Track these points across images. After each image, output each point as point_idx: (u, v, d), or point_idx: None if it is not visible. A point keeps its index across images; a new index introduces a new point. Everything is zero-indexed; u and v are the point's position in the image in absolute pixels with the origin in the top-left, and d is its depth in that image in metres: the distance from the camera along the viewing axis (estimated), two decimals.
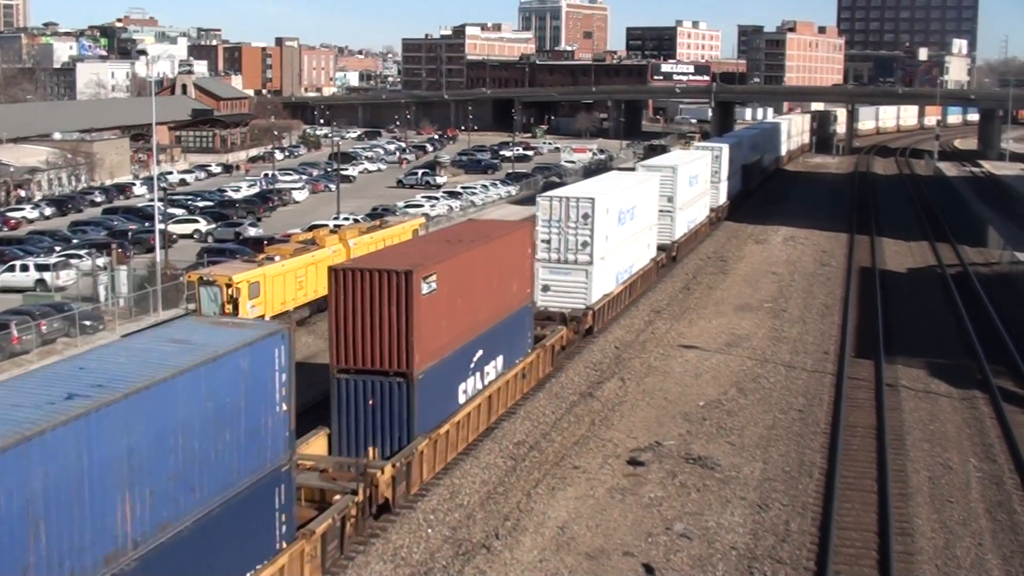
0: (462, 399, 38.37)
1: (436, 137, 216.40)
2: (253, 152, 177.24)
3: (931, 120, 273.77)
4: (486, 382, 40.66)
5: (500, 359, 42.16)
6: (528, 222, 51.80)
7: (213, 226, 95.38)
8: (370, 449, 34.09)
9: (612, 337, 56.07)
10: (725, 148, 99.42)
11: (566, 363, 50.56)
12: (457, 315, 37.24)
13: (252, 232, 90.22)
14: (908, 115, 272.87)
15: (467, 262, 38.47)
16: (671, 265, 75.67)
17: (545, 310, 52.86)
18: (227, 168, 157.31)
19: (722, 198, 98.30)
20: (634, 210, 61.78)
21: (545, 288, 53.73)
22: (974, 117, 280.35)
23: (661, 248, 72.13)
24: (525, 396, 45.33)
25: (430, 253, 37.33)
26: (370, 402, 34.35)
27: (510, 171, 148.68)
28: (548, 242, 53.94)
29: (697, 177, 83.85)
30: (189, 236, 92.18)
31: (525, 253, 45.65)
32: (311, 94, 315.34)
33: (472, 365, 39.12)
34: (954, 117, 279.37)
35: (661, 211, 71.70)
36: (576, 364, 50.73)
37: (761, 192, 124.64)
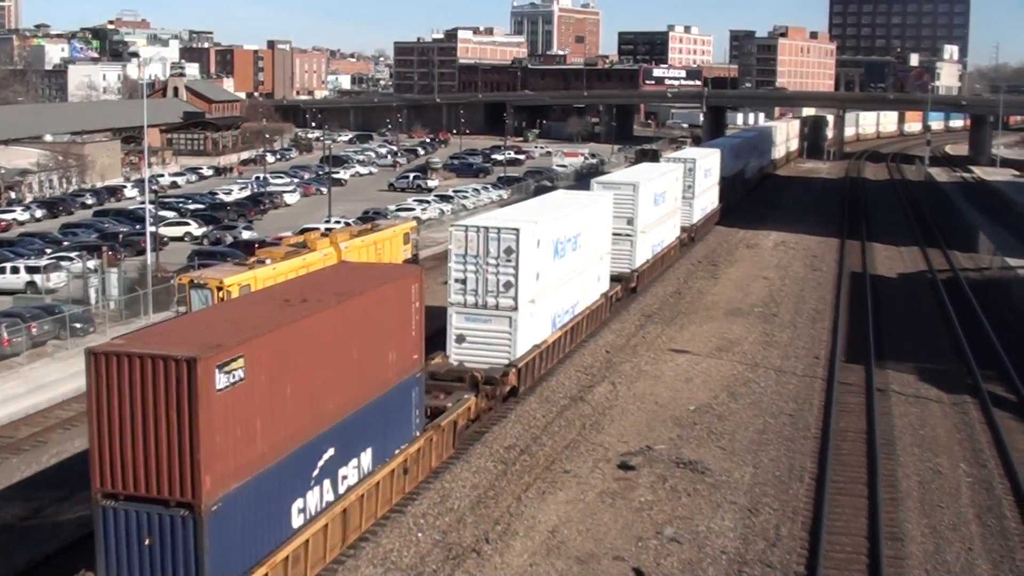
0: (298, 522, 28.21)
1: (428, 140, 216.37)
2: (244, 155, 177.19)
3: (912, 127, 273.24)
4: (341, 491, 30.28)
5: (368, 454, 31.90)
6: (416, 267, 40.20)
7: (207, 228, 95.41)
8: None
9: (603, 341, 56.04)
10: (700, 159, 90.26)
11: (558, 368, 50.46)
12: (286, 409, 27.19)
13: (246, 235, 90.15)
14: (888, 121, 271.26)
15: (304, 333, 28.09)
16: (630, 298, 65.99)
17: (460, 366, 43.71)
18: (218, 171, 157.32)
19: (696, 216, 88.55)
20: (578, 238, 52.20)
21: (460, 339, 44.52)
22: (956, 123, 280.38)
23: (617, 279, 62.42)
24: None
25: (243, 324, 26.97)
26: (146, 541, 24.76)
27: (501, 175, 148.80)
28: (463, 282, 44.25)
29: (665, 194, 73.42)
30: (180, 239, 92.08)
31: (410, 308, 34.56)
32: (303, 97, 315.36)
33: (316, 472, 28.90)
34: (936, 123, 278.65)
35: (618, 235, 62.51)
36: (567, 368, 50.68)
37: (747, 203, 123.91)
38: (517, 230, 43.79)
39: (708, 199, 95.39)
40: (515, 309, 44.11)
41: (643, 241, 67.15)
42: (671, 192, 76.30)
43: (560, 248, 49.30)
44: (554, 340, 49.43)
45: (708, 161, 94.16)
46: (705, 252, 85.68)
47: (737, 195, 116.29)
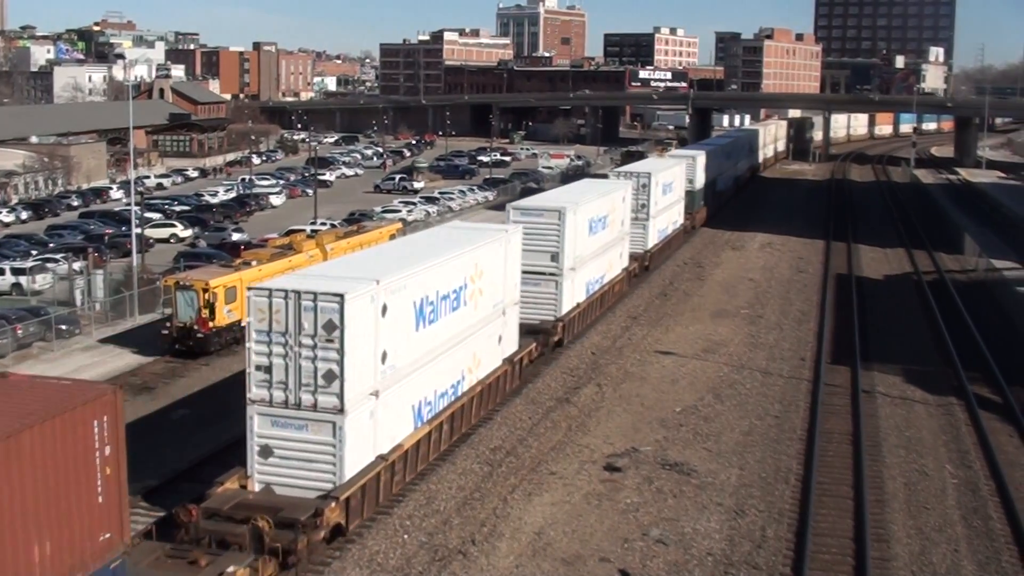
0: None
1: (414, 142, 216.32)
2: (230, 156, 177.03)
3: (883, 129, 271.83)
4: None
5: None
6: (106, 389, 23.42)
7: (197, 230, 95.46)
8: None
9: (589, 343, 56.00)
10: (657, 173, 77.14)
11: (542, 369, 50.37)
12: None
13: (236, 237, 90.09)
14: (859, 124, 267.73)
15: None
16: (553, 355, 52.57)
17: (265, 493, 31.06)
18: (204, 172, 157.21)
19: (653, 240, 76.65)
20: (462, 292, 39.38)
21: (265, 453, 31.28)
22: (929, 125, 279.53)
23: (534, 332, 50.04)
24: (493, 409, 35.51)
25: None
26: None
27: (487, 176, 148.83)
28: (268, 370, 31.15)
29: (607, 218, 61.03)
30: (166, 240, 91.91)
31: (91, 458, 21.92)
32: (289, 99, 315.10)
33: None
34: (907, 126, 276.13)
35: (537, 275, 51.11)
36: (553, 370, 50.61)
37: (732, 206, 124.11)
38: (341, 296, 30.58)
39: (669, 218, 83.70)
40: (341, 411, 30.89)
41: (573, 281, 54.25)
42: (616, 215, 63.79)
43: (428, 311, 36.35)
44: (418, 440, 36.04)
45: (668, 175, 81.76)
46: (691, 254, 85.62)
47: (709, 209, 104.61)
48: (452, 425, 39.54)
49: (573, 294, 54.52)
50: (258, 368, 31.24)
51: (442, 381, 38.27)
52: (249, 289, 31.96)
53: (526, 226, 49.53)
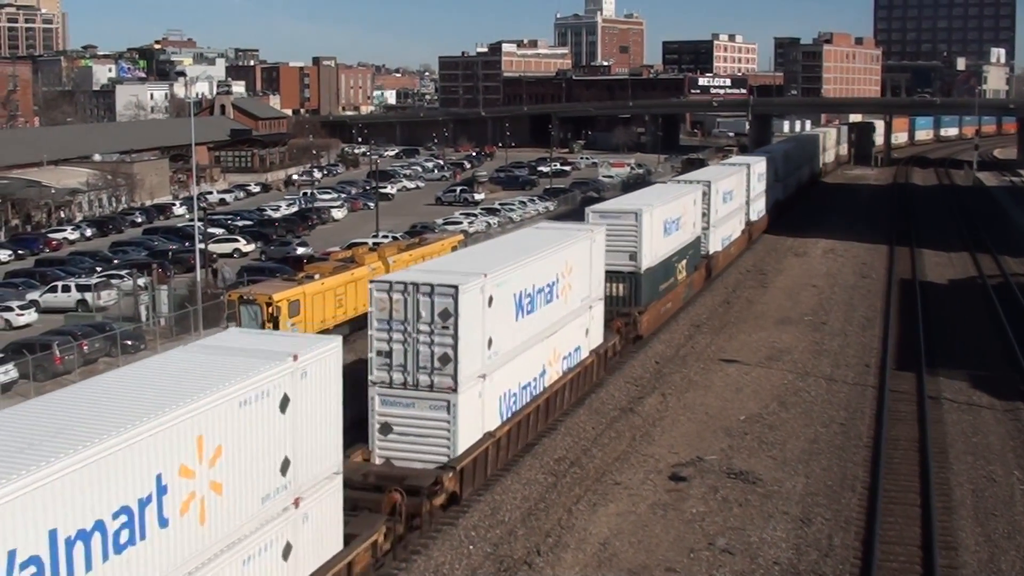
0: None
1: (473, 154, 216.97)
2: (292, 171, 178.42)
3: (899, 137, 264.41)
4: None
5: None
6: None
7: (262, 245, 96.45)
8: None
9: (652, 352, 55.91)
10: (498, 275, 36.73)
11: (607, 378, 50.37)
12: None
13: (300, 251, 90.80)
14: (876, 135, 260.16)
15: None
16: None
17: None
18: (266, 187, 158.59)
19: (463, 441, 33.65)
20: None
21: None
22: (951, 131, 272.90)
23: None
24: (565, 412, 42.79)
25: None
26: None
27: (548, 187, 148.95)
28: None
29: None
30: (229, 255, 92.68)
31: None
32: (349, 113, 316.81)
33: None
34: (923, 132, 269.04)
35: None
36: (617, 379, 50.58)
37: (794, 211, 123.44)
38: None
39: (556, 347, 43.31)
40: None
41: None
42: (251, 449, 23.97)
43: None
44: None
45: (551, 265, 42.13)
46: (753, 261, 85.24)
47: (698, 278, 69.01)
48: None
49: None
50: None
51: None
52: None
53: None
